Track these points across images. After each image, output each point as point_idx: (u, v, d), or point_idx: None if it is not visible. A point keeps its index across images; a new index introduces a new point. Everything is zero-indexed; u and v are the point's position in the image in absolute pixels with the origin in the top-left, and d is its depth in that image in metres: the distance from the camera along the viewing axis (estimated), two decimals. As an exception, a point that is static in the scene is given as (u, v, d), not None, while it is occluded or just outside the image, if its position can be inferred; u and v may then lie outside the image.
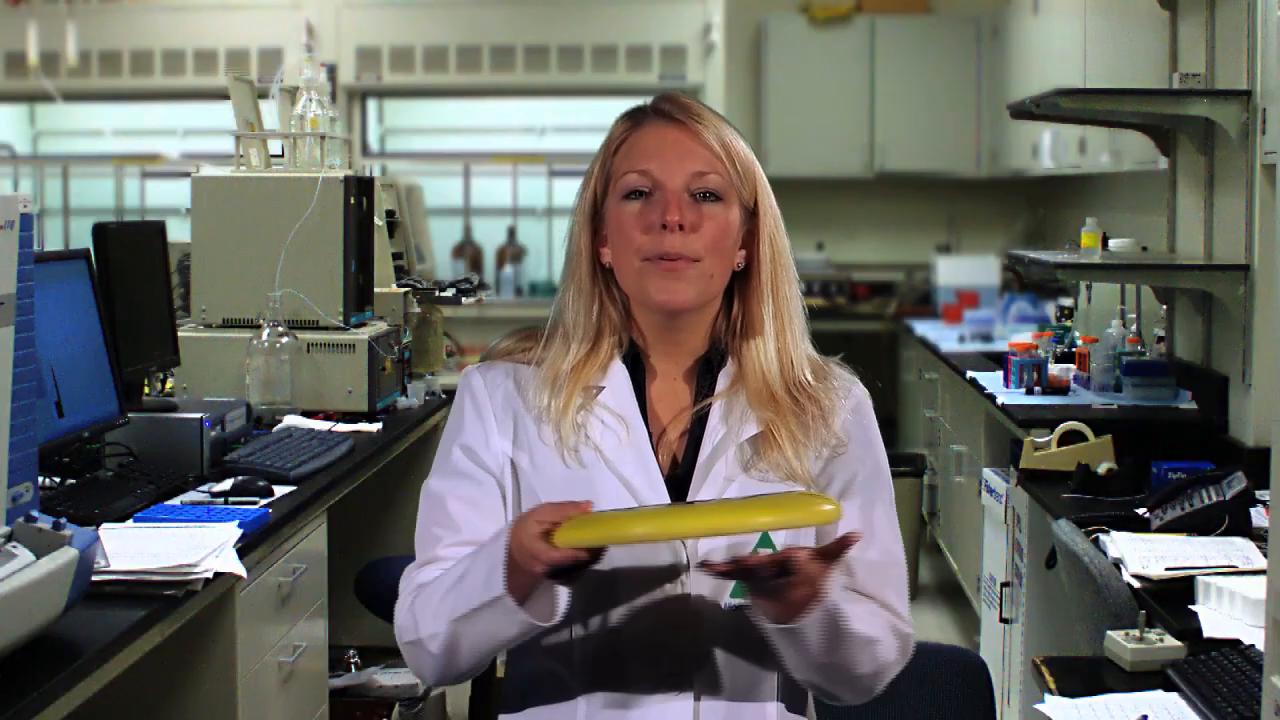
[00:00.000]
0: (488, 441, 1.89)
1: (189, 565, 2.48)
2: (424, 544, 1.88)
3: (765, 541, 1.79)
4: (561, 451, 1.84)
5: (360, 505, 4.07)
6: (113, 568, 2.41)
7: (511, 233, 8.55)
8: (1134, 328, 4.60)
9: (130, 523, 2.79)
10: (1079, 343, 4.72)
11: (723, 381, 1.89)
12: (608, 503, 1.80)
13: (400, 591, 1.86)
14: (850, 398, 1.91)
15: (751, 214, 1.88)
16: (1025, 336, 5.20)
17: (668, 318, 1.88)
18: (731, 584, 1.79)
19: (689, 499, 1.83)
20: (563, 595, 1.73)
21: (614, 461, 1.83)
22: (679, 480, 1.85)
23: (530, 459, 1.87)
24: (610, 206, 1.87)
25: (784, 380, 1.87)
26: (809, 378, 1.89)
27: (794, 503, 1.68)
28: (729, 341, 1.91)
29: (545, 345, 1.91)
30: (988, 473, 4.43)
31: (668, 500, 1.83)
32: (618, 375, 1.88)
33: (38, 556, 2.03)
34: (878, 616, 1.81)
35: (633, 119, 1.89)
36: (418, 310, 4.58)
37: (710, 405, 1.87)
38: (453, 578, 1.79)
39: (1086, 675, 2.38)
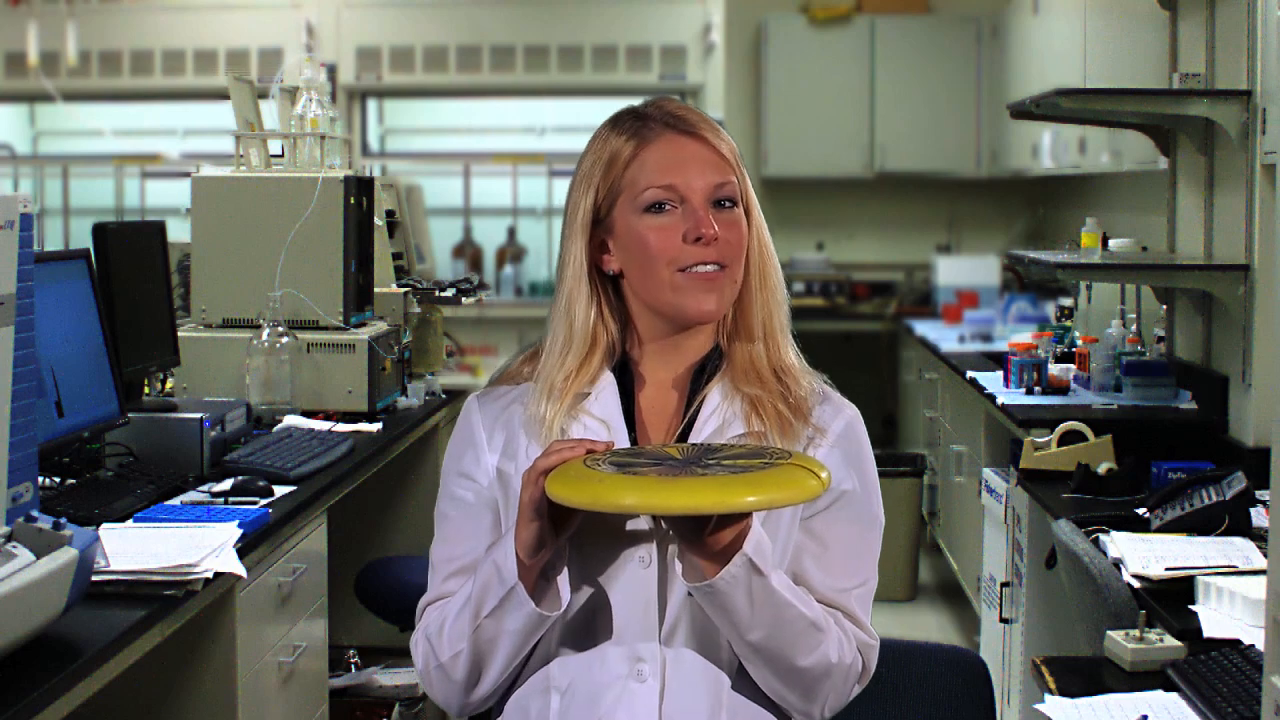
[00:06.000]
0: (479, 460, 1.92)
1: (189, 565, 2.48)
2: (431, 570, 1.94)
3: None
4: None
5: (360, 505, 4.07)
6: (113, 568, 2.41)
7: (511, 233, 8.55)
8: (1134, 328, 4.59)
9: (130, 523, 2.79)
10: (1079, 343, 4.72)
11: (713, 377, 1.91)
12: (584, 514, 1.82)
13: (416, 625, 1.92)
14: (841, 417, 1.91)
15: (745, 208, 1.91)
16: (1025, 336, 5.20)
17: (689, 325, 1.89)
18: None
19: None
20: (564, 586, 1.79)
21: None
22: None
23: (516, 467, 1.88)
24: (625, 219, 1.87)
25: (770, 362, 1.90)
26: (793, 360, 1.92)
27: (782, 480, 1.67)
28: (726, 339, 1.92)
29: (542, 360, 1.92)
30: (988, 473, 4.43)
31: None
32: (605, 383, 1.89)
33: (38, 556, 2.03)
34: (828, 614, 1.83)
35: (636, 133, 1.89)
36: (418, 310, 4.57)
37: (700, 408, 1.88)
38: (465, 594, 1.84)
39: (1086, 675, 2.38)
